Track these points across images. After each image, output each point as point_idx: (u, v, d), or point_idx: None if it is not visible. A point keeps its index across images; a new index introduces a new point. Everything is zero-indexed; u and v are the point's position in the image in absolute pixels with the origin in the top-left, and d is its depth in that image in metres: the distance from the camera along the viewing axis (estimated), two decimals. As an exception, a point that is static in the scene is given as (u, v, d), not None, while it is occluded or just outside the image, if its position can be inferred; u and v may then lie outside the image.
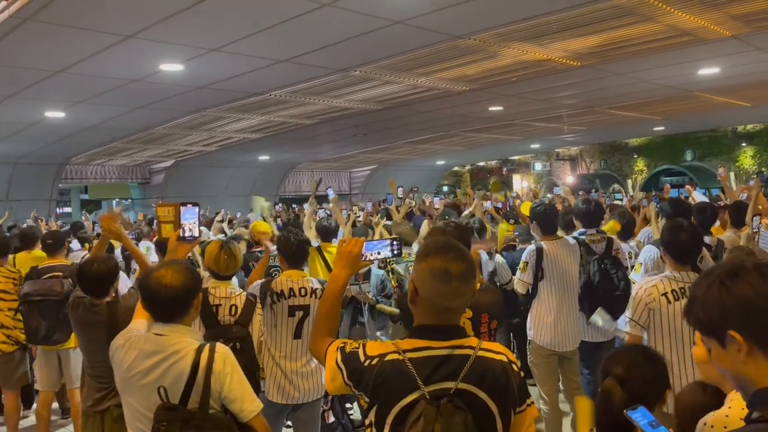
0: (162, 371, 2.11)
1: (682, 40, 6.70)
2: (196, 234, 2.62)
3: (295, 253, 3.66)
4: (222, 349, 2.19)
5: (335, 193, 7.53)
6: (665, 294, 3.03)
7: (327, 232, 5.29)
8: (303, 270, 3.76)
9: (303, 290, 3.57)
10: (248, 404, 2.18)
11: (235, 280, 4.43)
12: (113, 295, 3.42)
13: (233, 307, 3.28)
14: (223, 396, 2.14)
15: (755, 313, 1.07)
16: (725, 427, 1.45)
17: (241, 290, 3.48)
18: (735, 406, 1.49)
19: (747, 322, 1.08)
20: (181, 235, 2.57)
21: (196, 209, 2.63)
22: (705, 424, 1.50)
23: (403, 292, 3.05)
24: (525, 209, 6.51)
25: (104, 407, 3.21)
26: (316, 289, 3.59)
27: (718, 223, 5.33)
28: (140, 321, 2.36)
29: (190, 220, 2.60)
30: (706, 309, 1.11)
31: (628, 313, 3.20)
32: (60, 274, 4.60)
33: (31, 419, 5.26)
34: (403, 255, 4.63)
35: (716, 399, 1.63)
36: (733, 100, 11.22)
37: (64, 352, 4.60)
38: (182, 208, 2.60)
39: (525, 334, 4.44)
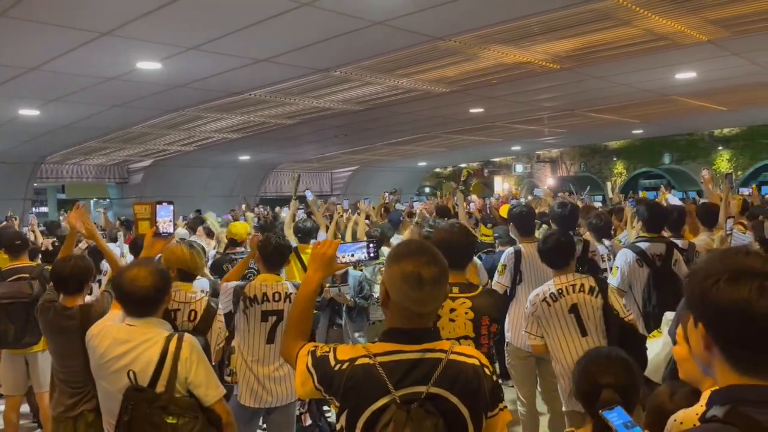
0: (133, 357, 2.31)
1: (660, 45, 6.76)
2: (171, 230, 2.83)
3: (271, 254, 3.61)
4: (189, 339, 2.40)
5: (313, 195, 7.53)
6: (544, 299, 3.41)
7: (303, 233, 5.25)
8: (279, 274, 3.73)
9: (277, 295, 3.52)
10: (212, 390, 2.38)
11: (206, 283, 4.36)
12: (84, 299, 3.35)
13: (192, 312, 3.21)
14: (189, 381, 2.33)
15: (728, 321, 1.08)
16: (695, 425, 1.47)
17: (203, 295, 3.40)
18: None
19: (717, 324, 1.10)
20: (157, 231, 2.77)
21: (171, 207, 2.85)
22: (675, 420, 1.53)
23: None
24: (504, 212, 6.53)
25: (77, 412, 3.14)
26: (291, 293, 3.54)
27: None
28: (116, 312, 2.53)
29: (165, 217, 2.81)
30: (693, 293, 1.14)
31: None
32: (27, 275, 4.51)
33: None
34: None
35: (685, 404, 1.63)
36: (710, 104, 11.38)
37: (31, 355, 4.49)
38: (158, 206, 2.80)
39: (503, 336, 4.44)
